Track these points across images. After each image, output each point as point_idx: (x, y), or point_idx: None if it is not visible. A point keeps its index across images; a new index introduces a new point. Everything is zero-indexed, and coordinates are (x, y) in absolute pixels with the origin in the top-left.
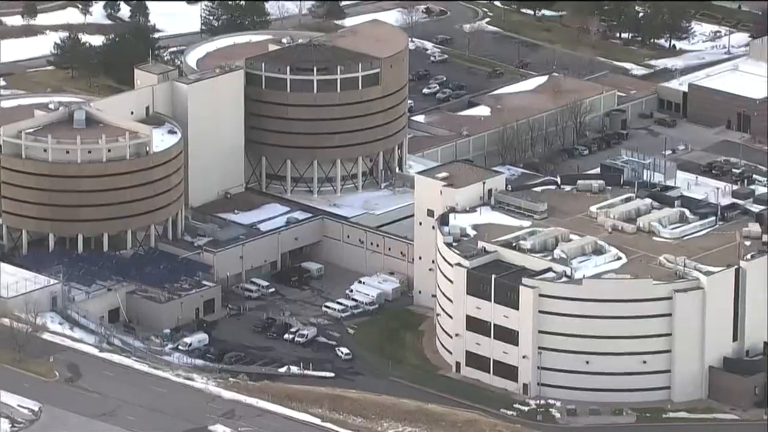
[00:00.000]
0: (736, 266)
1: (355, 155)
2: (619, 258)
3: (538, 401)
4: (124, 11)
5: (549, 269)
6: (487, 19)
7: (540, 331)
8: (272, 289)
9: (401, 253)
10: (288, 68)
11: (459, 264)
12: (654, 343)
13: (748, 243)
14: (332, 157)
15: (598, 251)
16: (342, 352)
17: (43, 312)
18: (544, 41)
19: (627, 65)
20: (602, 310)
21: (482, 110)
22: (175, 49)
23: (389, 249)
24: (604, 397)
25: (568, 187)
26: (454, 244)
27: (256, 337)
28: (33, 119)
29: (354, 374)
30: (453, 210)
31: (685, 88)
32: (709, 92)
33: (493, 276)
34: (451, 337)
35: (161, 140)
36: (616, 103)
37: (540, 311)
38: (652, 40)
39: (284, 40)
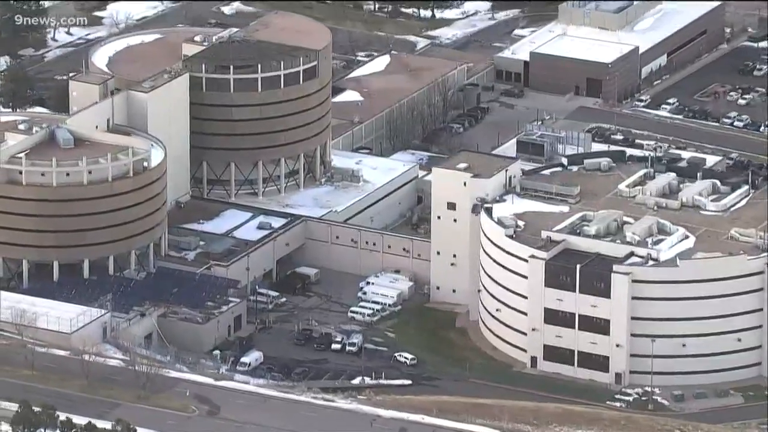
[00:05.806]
0: None
1: (297, 152)
2: (687, 236)
3: (640, 389)
4: None
5: (631, 254)
6: None
7: (633, 318)
8: (284, 299)
9: (404, 249)
10: (231, 68)
11: (533, 256)
12: (747, 320)
13: None
14: (276, 156)
15: (663, 231)
16: (407, 358)
17: (97, 343)
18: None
19: (410, 38)
20: (699, 290)
21: (352, 95)
22: None
23: (389, 246)
24: (696, 380)
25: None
26: (513, 236)
27: (302, 350)
28: (18, 143)
29: (431, 379)
30: (484, 201)
31: (523, 57)
32: (553, 59)
33: (578, 266)
34: (522, 333)
35: None
36: (466, 77)
37: (632, 297)
38: (417, 11)
39: (197, 38)
